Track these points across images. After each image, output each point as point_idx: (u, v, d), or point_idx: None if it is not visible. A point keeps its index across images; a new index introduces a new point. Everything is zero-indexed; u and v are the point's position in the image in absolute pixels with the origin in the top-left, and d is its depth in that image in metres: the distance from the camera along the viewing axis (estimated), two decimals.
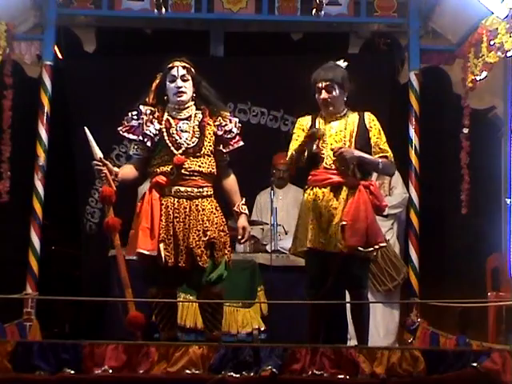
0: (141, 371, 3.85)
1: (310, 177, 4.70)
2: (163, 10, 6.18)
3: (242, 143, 4.61)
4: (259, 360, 3.86)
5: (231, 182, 4.63)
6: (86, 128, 4.49)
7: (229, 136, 4.57)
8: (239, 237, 4.58)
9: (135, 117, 4.54)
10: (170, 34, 7.14)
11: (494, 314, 5.30)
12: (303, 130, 4.74)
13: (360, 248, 4.50)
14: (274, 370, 3.81)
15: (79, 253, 7.16)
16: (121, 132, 4.56)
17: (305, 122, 4.80)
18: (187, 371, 3.84)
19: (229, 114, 4.64)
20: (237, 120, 4.65)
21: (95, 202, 7.09)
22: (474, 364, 3.85)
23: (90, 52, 6.94)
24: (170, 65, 4.55)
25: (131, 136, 4.54)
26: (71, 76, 6.94)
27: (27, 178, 6.14)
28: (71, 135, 7.04)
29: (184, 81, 4.52)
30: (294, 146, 4.73)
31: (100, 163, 4.38)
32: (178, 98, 4.52)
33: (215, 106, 4.59)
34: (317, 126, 4.70)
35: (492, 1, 5.29)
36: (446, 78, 6.54)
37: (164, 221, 4.40)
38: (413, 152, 6.23)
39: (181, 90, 4.51)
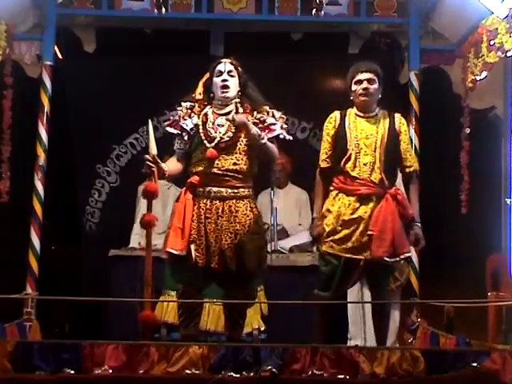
0: (141, 371, 3.86)
1: (336, 180, 4.62)
2: (163, 9, 6.17)
3: (279, 132, 4.49)
4: (259, 360, 3.87)
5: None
6: (149, 121, 4.60)
7: (262, 125, 4.47)
8: None
9: (176, 111, 4.56)
10: (170, 33, 7.12)
11: (494, 314, 5.29)
12: (334, 126, 4.68)
13: (386, 258, 4.49)
14: (274, 370, 3.82)
15: (79, 253, 7.15)
16: (166, 127, 4.59)
17: (332, 119, 4.72)
18: (187, 371, 3.84)
19: (268, 108, 4.55)
20: (280, 113, 4.55)
21: (95, 202, 7.08)
22: (474, 364, 3.86)
23: (90, 52, 6.92)
24: (218, 61, 4.58)
25: (171, 130, 4.55)
26: (71, 76, 6.93)
27: (27, 178, 6.13)
28: (71, 135, 7.04)
29: (231, 76, 4.51)
30: (324, 148, 4.69)
31: (151, 161, 4.38)
32: (223, 94, 4.50)
33: (258, 104, 4.55)
34: (347, 125, 4.63)
35: (492, 1, 5.28)
36: (446, 78, 6.53)
37: (196, 221, 4.39)
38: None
39: (226, 83, 4.48)
